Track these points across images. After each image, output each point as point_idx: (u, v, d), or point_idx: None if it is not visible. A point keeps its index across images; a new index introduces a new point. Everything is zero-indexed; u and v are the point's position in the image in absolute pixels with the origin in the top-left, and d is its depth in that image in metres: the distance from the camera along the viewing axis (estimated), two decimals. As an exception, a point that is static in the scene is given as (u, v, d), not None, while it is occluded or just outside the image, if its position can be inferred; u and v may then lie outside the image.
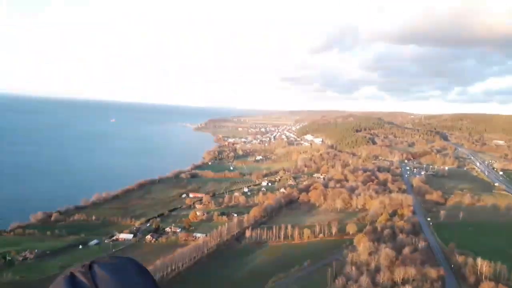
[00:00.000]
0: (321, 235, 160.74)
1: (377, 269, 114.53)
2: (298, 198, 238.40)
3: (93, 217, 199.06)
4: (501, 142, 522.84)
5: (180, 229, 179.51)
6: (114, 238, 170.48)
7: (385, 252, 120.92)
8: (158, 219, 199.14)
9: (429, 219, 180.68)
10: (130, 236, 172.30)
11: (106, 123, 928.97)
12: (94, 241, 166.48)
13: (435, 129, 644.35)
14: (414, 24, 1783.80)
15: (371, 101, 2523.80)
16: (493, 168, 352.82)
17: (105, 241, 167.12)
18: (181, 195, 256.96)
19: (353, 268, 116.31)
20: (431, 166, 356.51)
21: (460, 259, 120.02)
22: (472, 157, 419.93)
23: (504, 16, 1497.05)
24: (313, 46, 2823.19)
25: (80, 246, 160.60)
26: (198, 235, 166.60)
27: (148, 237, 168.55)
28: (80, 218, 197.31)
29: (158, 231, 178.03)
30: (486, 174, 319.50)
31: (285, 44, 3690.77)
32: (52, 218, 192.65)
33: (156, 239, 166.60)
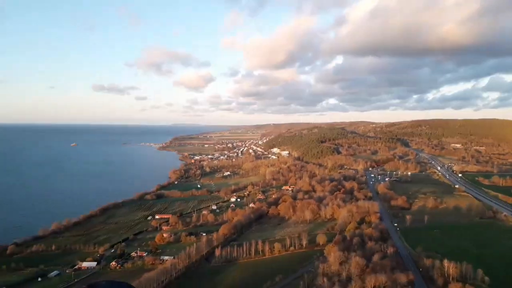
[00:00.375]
0: (291, 248, 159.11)
1: (348, 279, 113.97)
2: (268, 212, 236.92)
3: (53, 247, 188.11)
4: (458, 146, 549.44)
5: (146, 253, 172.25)
6: (76, 267, 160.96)
7: (355, 261, 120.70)
8: (123, 244, 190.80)
9: (395, 224, 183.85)
10: (94, 263, 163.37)
11: (66, 148, 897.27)
12: (55, 272, 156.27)
13: (396, 136, 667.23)
14: (371, 37, 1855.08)
15: (334, 113, 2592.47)
16: (453, 171, 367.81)
17: (67, 271, 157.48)
18: (147, 217, 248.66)
19: (325, 279, 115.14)
20: (394, 172, 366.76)
21: (427, 262, 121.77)
22: (432, 161, 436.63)
23: (454, 27, 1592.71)
24: (274, 62, 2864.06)
25: (39, 279, 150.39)
26: (166, 257, 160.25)
27: (113, 263, 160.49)
28: (38, 248, 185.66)
29: (123, 257, 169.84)
30: (447, 177, 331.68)
31: (246, 60, 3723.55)
32: (8, 251, 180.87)
33: (122, 265, 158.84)
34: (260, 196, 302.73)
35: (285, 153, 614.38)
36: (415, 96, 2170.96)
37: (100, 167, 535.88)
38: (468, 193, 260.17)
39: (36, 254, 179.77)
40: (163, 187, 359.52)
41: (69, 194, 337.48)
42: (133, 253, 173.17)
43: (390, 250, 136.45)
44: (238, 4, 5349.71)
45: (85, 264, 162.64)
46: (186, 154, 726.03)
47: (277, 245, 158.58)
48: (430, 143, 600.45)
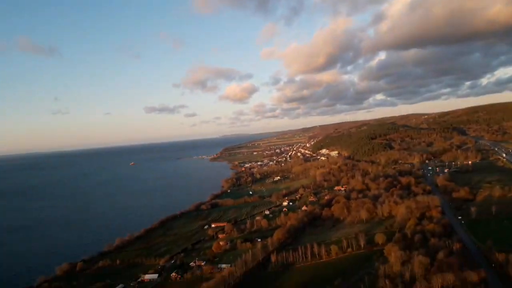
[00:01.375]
0: (349, 249, 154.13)
1: (412, 279, 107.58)
2: (321, 214, 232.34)
3: (118, 261, 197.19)
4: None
5: (204, 261, 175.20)
6: (139, 280, 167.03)
7: (418, 259, 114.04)
8: (182, 254, 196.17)
9: (460, 217, 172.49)
10: (155, 275, 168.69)
11: (126, 167, 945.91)
12: (120, 286, 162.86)
13: (451, 125, 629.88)
14: (413, 30, 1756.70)
15: (382, 108, 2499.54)
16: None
17: (131, 284, 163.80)
18: (203, 226, 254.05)
19: (387, 281, 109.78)
20: (453, 163, 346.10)
21: (500, 257, 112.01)
22: (495, 148, 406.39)
23: (503, 9, 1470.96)
24: (315, 66, 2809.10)
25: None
26: (223, 265, 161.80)
27: (173, 274, 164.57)
28: (104, 264, 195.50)
29: (182, 267, 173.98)
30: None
31: (287, 67, 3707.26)
32: (77, 268, 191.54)
33: (181, 276, 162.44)
34: (312, 198, 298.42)
35: (334, 153, 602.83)
36: (467, 83, 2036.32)
37: (158, 182, 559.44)
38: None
39: (102, 269, 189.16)
40: (216, 196, 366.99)
41: (130, 210, 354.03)
42: (192, 262, 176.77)
43: (456, 246, 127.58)
44: (274, 16, 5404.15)
45: (147, 277, 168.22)
46: (236, 163, 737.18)
47: (333, 247, 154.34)
48: (489, 129, 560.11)
